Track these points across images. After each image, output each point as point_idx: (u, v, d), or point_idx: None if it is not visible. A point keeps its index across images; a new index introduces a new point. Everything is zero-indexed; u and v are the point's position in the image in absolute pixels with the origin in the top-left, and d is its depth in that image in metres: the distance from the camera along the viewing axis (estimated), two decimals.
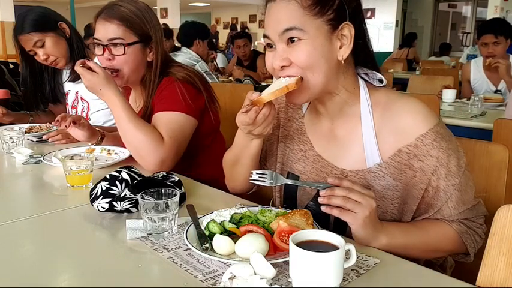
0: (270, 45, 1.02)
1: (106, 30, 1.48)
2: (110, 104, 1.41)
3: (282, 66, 0.98)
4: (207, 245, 0.88)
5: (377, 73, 1.06)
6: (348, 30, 0.98)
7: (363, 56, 1.05)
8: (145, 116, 1.55)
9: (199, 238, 0.92)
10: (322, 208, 0.90)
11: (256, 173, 1.04)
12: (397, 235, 0.96)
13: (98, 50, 1.50)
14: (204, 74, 1.78)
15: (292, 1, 0.96)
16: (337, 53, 0.98)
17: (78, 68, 1.41)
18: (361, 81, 1.06)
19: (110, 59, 1.49)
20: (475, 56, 3.67)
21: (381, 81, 1.06)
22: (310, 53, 0.96)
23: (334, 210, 0.89)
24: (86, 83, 1.41)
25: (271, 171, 1.06)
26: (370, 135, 1.02)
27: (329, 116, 1.09)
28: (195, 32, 4.19)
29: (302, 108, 1.18)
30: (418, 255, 1.00)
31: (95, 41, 1.50)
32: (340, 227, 1.03)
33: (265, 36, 1.02)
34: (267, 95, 0.97)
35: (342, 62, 0.99)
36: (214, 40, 11.28)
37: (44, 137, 1.90)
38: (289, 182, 1.06)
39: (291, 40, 0.97)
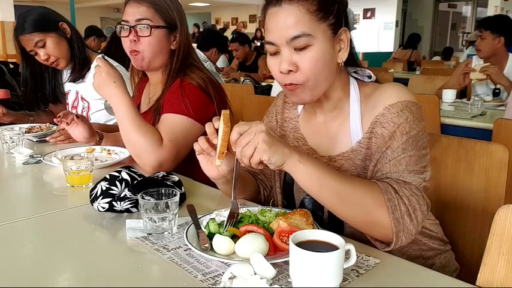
0: (274, 51, 1.00)
1: (136, 12, 1.51)
2: (116, 100, 1.41)
3: (289, 71, 0.98)
4: (207, 245, 0.88)
5: (366, 70, 1.10)
6: (345, 35, 1.02)
7: (350, 56, 1.07)
8: (157, 110, 1.55)
9: (199, 238, 0.92)
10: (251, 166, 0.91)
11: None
12: (312, 160, 0.92)
13: (124, 32, 1.53)
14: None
15: (299, 6, 0.95)
16: (336, 57, 1.02)
17: (98, 60, 1.44)
18: (351, 79, 1.10)
19: (134, 41, 1.52)
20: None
21: (369, 77, 1.10)
22: (318, 59, 0.98)
23: (253, 166, 0.90)
24: (99, 78, 1.42)
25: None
26: (357, 124, 1.06)
27: (323, 113, 1.12)
28: (216, 41, 4.47)
29: (297, 108, 1.22)
30: (332, 199, 0.92)
31: (122, 23, 1.53)
32: (336, 224, 1.04)
33: (268, 43, 1.00)
34: (219, 154, 0.98)
35: (342, 64, 1.04)
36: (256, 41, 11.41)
37: (47, 139, 1.89)
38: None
39: (299, 46, 0.96)
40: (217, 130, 1.02)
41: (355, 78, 1.11)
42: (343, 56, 1.03)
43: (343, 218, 0.96)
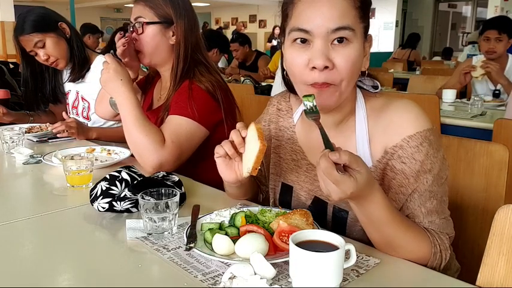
0: (303, 41, 0.91)
1: (134, 11, 1.54)
2: (121, 99, 1.42)
3: (325, 67, 0.89)
4: (192, 244, 0.88)
5: (373, 79, 1.04)
6: (369, 43, 0.98)
7: None
8: (166, 108, 1.55)
9: (187, 237, 0.91)
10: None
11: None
12: (376, 206, 0.85)
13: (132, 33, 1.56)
14: None
15: None
16: (361, 63, 0.96)
17: (107, 57, 1.45)
18: (358, 90, 1.03)
19: (136, 40, 1.54)
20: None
21: (375, 87, 1.03)
22: (355, 60, 0.91)
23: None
24: (106, 75, 1.43)
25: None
26: (364, 143, 1.00)
27: (326, 127, 1.04)
28: (218, 42, 4.55)
29: (293, 117, 1.15)
30: (380, 240, 0.91)
31: (130, 24, 1.57)
32: (339, 227, 1.03)
33: (300, 30, 0.90)
34: (252, 169, 0.96)
35: (366, 72, 0.99)
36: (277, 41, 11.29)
37: (53, 130, 1.91)
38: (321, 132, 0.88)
39: (339, 40, 0.89)
40: (244, 138, 0.99)
41: (361, 88, 1.04)
42: (366, 64, 0.97)
43: (384, 251, 0.92)
